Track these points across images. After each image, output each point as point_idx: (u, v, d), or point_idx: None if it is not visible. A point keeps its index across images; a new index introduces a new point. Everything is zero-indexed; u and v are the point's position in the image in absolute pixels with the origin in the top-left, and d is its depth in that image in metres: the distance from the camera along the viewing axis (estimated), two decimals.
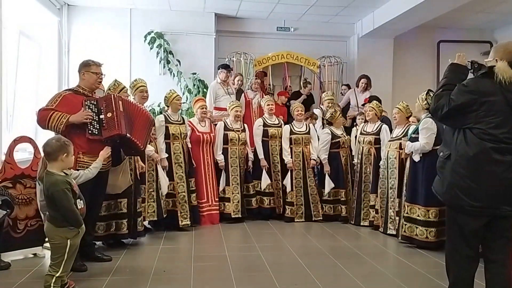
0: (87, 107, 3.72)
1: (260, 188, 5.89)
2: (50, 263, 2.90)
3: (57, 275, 2.84)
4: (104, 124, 3.72)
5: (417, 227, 4.51)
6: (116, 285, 3.41)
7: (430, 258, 4.28)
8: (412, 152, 4.61)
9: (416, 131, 4.61)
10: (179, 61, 7.64)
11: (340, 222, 5.78)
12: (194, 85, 7.57)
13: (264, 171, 5.88)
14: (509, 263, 2.62)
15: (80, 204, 3.00)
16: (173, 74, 7.63)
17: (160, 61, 7.62)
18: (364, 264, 4.12)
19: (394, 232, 4.98)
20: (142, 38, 7.57)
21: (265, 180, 5.86)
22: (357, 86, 7.47)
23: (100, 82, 3.97)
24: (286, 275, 3.74)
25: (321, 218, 5.82)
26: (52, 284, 2.82)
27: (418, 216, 4.50)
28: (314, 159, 5.87)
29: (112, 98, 3.83)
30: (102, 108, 3.74)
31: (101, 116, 3.72)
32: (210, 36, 7.87)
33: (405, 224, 4.60)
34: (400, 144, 4.93)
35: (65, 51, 7.37)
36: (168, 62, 7.65)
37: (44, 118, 3.58)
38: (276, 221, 5.87)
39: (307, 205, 5.86)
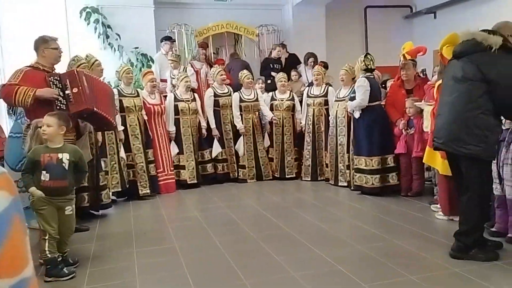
0: (51, 83, 3.79)
1: (211, 156, 6.21)
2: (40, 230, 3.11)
3: (47, 237, 3.03)
4: (71, 100, 3.82)
5: (365, 176, 5.09)
6: (105, 249, 3.66)
7: (376, 200, 4.92)
8: (353, 110, 5.14)
9: (354, 90, 5.13)
10: (118, 35, 7.58)
11: (292, 180, 6.26)
12: (137, 59, 7.58)
13: (215, 140, 6.21)
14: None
15: (46, 176, 3.06)
16: (114, 49, 7.57)
17: (99, 36, 7.52)
18: (323, 211, 4.68)
19: (346, 184, 5.54)
20: (78, 13, 7.40)
21: (216, 149, 6.20)
22: (306, 64, 7.72)
23: (60, 56, 4.02)
24: (257, 225, 4.17)
25: (271, 178, 6.30)
26: (47, 249, 3.03)
27: (365, 166, 5.07)
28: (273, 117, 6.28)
29: (76, 73, 3.93)
30: (66, 83, 3.83)
31: (67, 92, 3.81)
32: (149, 8, 7.86)
33: (356, 175, 5.16)
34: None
35: None
36: (108, 37, 7.58)
37: (10, 93, 3.63)
38: (231, 183, 6.27)
39: (258, 166, 6.31)
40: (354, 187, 5.23)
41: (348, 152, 5.45)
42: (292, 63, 7.81)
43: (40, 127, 3.11)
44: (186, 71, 6.96)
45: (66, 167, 3.09)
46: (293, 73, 7.31)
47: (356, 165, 5.15)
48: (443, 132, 3.11)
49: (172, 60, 6.73)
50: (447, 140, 3.08)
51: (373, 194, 5.06)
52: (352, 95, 5.14)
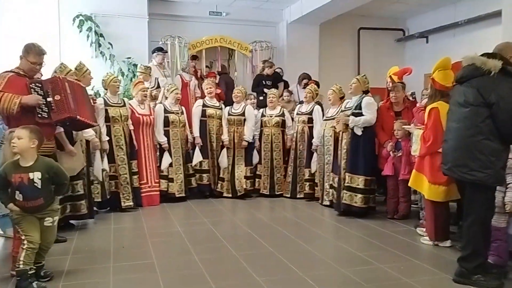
0: (32, 90, 3.66)
1: (192, 164, 6.11)
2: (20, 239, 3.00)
3: (25, 247, 2.94)
4: (53, 107, 3.69)
5: (356, 195, 4.93)
6: (80, 262, 3.53)
7: (362, 222, 4.85)
8: (353, 126, 4.96)
9: (357, 107, 4.98)
10: (111, 44, 7.53)
11: (277, 197, 6.19)
12: (129, 69, 7.53)
13: (197, 148, 6.14)
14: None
15: (19, 197, 2.99)
16: (106, 57, 7.52)
17: (91, 44, 7.47)
18: (307, 230, 4.59)
19: (328, 203, 5.44)
20: (71, 20, 7.36)
21: (197, 157, 6.12)
22: (300, 84, 7.67)
23: (36, 72, 3.84)
24: (241, 244, 4.07)
25: (243, 193, 6.16)
26: (22, 259, 2.92)
27: (358, 185, 4.92)
28: (246, 140, 6.18)
29: (59, 80, 3.80)
30: (48, 90, 3.70)
31: (49, 99, 3.67)
32: (143, 19, 7.84)
33: (346, 193, 4.97)
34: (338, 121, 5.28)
35: None
36: (100, 45, 7.53)
37: None
38: (217, 198, 6.16)
39: (233, 181, 6.19)
40: (343, 206, 5.01)
41: (333, 171, 5.33)
42: (275, 79, 7.83)
43: (13, 132, 3.02)
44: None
45: (39, 186, 2.99)
46: (285, 93, 7.30)
47: (348, 183, 4.97)
48: (449, 158, 3.13)
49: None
50: (453, 165, 3.08)
51: (359, 215, 4.97)
52: (355, 111, 4.99)
